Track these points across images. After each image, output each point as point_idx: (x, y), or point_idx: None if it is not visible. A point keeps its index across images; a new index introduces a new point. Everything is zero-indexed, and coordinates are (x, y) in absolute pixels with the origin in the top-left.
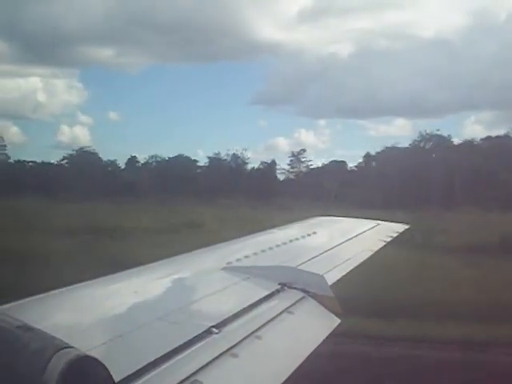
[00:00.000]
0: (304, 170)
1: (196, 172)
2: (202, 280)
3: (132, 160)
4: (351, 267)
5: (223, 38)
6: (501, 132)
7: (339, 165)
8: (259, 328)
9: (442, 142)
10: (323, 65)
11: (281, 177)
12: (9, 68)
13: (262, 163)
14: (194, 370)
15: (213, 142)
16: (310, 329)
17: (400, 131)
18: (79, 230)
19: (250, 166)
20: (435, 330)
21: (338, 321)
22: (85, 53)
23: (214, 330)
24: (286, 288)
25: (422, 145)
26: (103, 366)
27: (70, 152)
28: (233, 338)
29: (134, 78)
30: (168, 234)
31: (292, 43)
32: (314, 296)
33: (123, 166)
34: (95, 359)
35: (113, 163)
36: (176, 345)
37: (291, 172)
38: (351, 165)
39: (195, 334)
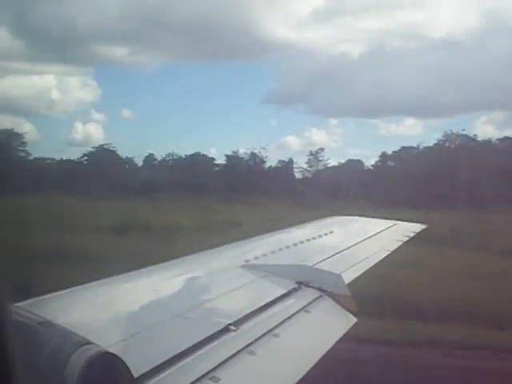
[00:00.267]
0: (321, 168)
1: (214, 170)
2: (221, 278)
3: (149, 157)
4: (368, 267)
5: (236, 37)
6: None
7: (356, 164)
8: (276, 326)
9: (468, 141)
10: (335, 64)
11: (296, 175)
12: (23, 66)
13: (280, 162)
14: (212, 366)
15: (225, 140)
16: (326, 327)
17: (411, 131)
18: (125, 228)
19: (267, 165)
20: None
21: (354, 320)
22: (99, 51)
23: (232, 327)
24: (303, 286)
25: (447, 144)
26: (123, 362)
27: (90, 149)
28: (250, 335)
29: (147, 77)
30: (212, 233)
31: (304, 43)
32: (331, 295)
33: (139, 164)
34: (115, 355)
35: (130, 160)
36: (194, 341)
37: (308, 170)
38: (367, 164)
39: (213, 331)
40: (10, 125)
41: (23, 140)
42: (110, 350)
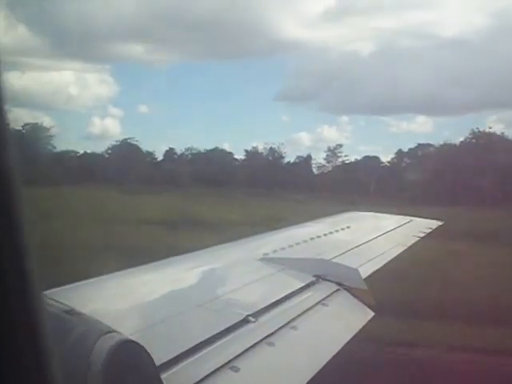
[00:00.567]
0: (339, 164)
1: (235, 165)
2: (240, 270)
3: (170, 152)
4: (384, 261)
5: (250, 36)
6: None
7: (372, 160)
8: (294, 318)
9: (495, 139)
10: (346, 62)
11: (314, 171)
12: (43, 62)
13: (298, 157)
14: (232, 356)
15: (238, 136)
16: (343, 321)
17: (421, 128)
18: (175, 222)
19: (285, 161)
20: None
21: (371, 313)
22: (116, 49)
23: (251, 318)
24: (320, 280)
25: (473, 141)
26: (145, 350)
27: (113, 143)
28: (269, 327)
29: (162, 74)
30: (263, 228)
31: (316, 41)
32: (348, 289)
33: (159, 158)
34: (137, 343)
35: (151, 154)
36: (214, 332)
37: (326, 166)
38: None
39: (233, 322)
40: (33, 119)
41: (50, 133)
42: (133, 338)
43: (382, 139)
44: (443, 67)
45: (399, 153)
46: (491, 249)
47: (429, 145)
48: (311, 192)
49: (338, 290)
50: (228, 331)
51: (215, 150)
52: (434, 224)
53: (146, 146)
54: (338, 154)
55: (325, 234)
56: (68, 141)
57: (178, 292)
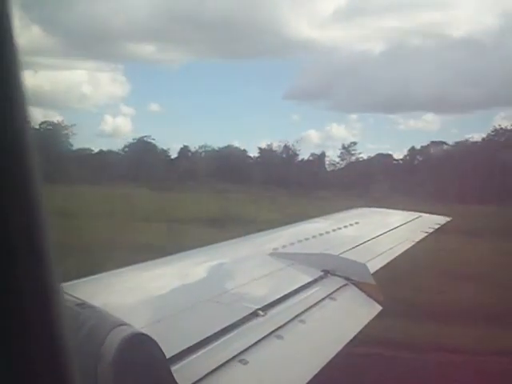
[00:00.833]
0: (353, 161)
1: (250, 162)
2: (250, 265)
3: (184, 149)
4: (392, 257)
5: (260, 35)
6: None
7: (385, 158)
8: (303, 312)
9: None
10: (356, 61)
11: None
12: (56, 61)
13: (312, 155)
14: (241, 349)
15: (248, 134)
16: (351, 315)
17: (429, 126)
18: (218, 220)
19: (299, 158)
20: None
21: (379, 308)
22: (128, 48)
23: (260, 312)
24: (328, 275)
25: (496, 139)
26: (155, 342)
27: (130, 141)
28: (278, 320)
29: (174, 73)
30: None
31: (326, 41)
32: (356, 283)
33: (173, 155)
34: (148, 336)
35: (165, 152)
36: (224, 325)
37: (340, 164)
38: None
39: (242, 316)
40: (47, 117)
41: (67, 132)
42: (144, 331)
43: (390, 137)
44: (452, 66)
45: (412, 150)
46: (505, 246)
47: (441, 142)
48: (331, 189)
49: (346, 284)
50: (237, 324)
51: (228, 147)
52: (443, 220)
53: (158, 143)
54: (352, 152)
55: (333, 230)
56: (81, 139)
57: (189, 286)
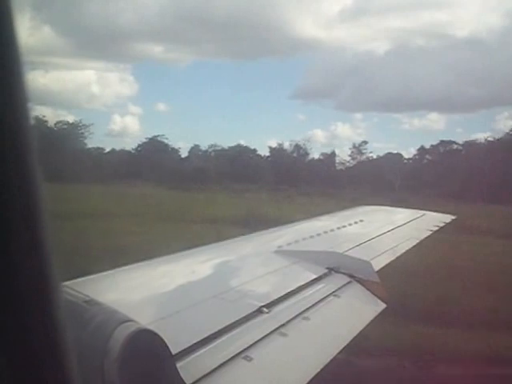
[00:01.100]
0: (364, 160)
1: (261, 161)
2: (255, 262)
3: (195, 148)
4: (397, 254)
5: (267, 35)
6: None
7: (395, 157)
8: (307, 309)
9: None
10: (361, 61)
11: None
12: (66, 61)
13: (323, 154)
14: (246, 346)
15: (254, 133)
16: (355, 312)
17: (433, 125)
18: (244, 220)
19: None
20: None
21: (383, 305)
22: (136, 49)
23: (265, 309)
24: (333, 272)
25: None
26: (161, 338)
27: (143, 140)
28: (282, 317)
29: (181, 73)
30: None
31: (332, 41)
32: (361, 281)
33: (183, 154)
34: (154, 332)
35: (176, 151)
36: (229, 322)
37: (349, 162)
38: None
39: (247, 313)
40: (57, 117)
41: (82, 131)
42: (150, 327)
43: (395, 136)
44: (456, 66)
45: (421, 149)
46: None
47: (451, 141)
48: (347, 188)
49: (350, 282)
50: (242, 321)
51: (238, 146)
52: (448, 218)
53: (171, 143)
54: (363, 151)
55: (338, 228)
56: (92, 138)
57: (194, 283)
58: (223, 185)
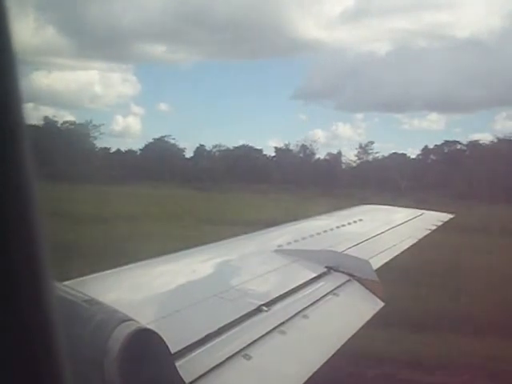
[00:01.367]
0: (369, 160)
1: (268, 162)
2: (255, 261)
3: (200, 148)
4: (395, 253)
5: (269, 36)
6: None
7: (400, 157)
8: (306, 308)
9: None
10: (362, 62)
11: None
12: (69, 62)
13: (329, 154)
14: (245, 344)
15: (257, 133)
16: (354, 310)
17: (433, 125)
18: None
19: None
20: None
21: (381, 304)
22: (139, 49)
23: (264, 308)
24: (332, 271)
25: None
26: (161, 337)
27: (150, 140)
28: (281, 316)
29: (184, 74)
30: None
31: (333, 41)
32: (359, 279)
33: (187, 155)
34: (153, 331)
35: (182, 151)
36: (229, 320)
37: (356, 162)
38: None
39: (246, 311)
40: (60, 117)
41: (98, 131)
42: (150, 326)
43: (395, 136)
44: (456, 66)
45: (425, 149)
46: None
47: (455, 142)
48: (359, 188)
49: (349, 280)
50: (242, 320)
51: (243, 147)
52: (446, 217)
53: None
54: (369, 151)
55: (337, 227)
56: (101, 138)
57: (194, 282)
58: (238, 185)
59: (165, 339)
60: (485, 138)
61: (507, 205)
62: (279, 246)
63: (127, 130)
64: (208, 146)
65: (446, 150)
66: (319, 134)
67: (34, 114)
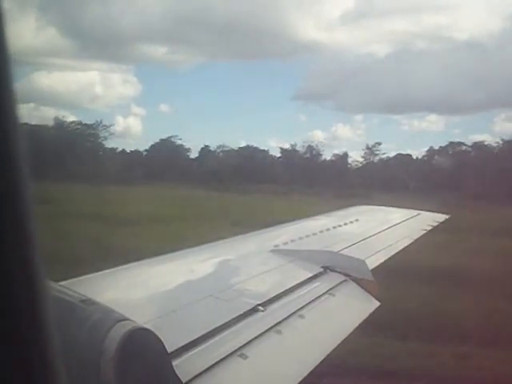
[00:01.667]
0: (375, 161)
1: (275, 162)
2: (251, 261)
3: (205, 149)
4: (391, 253)
5: (269, 37)
6: None
7: (405, 158)
8: (302, 307)
9: None
10: (362, 63)
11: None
12: (70, 62)
13: (334, 155)
14: (241, 344)
15: (255, 133)
16: (350, 310)
17: (433, 126)
18: None
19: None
20: None
21: (377, 303)
22: (140, 50)
23: (261, 307)
24: (328, 271)
25: None
26: (157, 337)
27: (157, 141)
28: (277, 315)
29: (184, 75)
30: None
31: (333, 43)
32: (355, 279)
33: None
34: (150, 331)
35: (186, 152)
36: (225, 320)
37: (362, 163)
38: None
39: (243, 311)
40: (61, 117)
41: (108, 132)
42: (146, 326)
43: (395, 137)
44: (455, 68)
45: (430, 150)
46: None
47: (460, 143)
48: (370, 188)
49: (345, 280)
50: (238, 320)
51: (248, 147)
52: (442, 218)
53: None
54: (376, 152)
55: (334, 227)
56: (110, 139)
57: (191, 282)
58: (251, 186)
59: (162, 338)
60: (485, 139)
61: None
62: (276, 245)
63: (128, 130)
64: (212, 147)
65: (450, 152)
66: (319, 135)
67: (34, 114)
